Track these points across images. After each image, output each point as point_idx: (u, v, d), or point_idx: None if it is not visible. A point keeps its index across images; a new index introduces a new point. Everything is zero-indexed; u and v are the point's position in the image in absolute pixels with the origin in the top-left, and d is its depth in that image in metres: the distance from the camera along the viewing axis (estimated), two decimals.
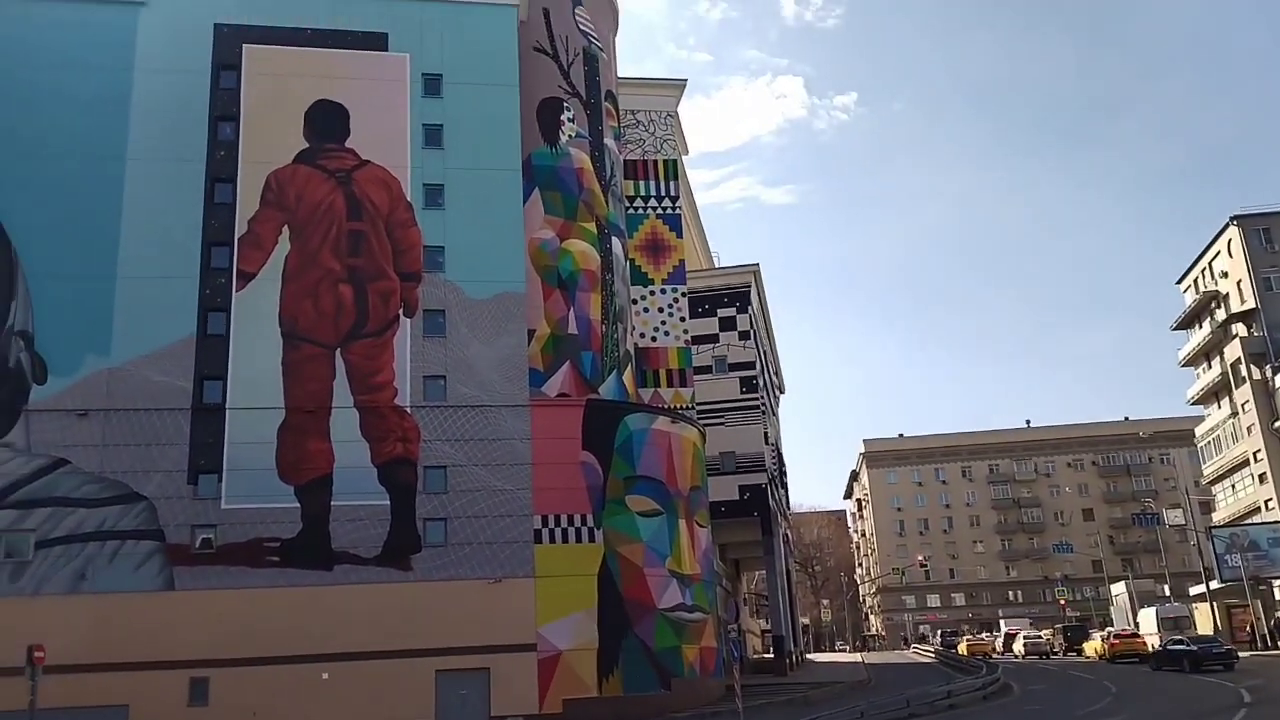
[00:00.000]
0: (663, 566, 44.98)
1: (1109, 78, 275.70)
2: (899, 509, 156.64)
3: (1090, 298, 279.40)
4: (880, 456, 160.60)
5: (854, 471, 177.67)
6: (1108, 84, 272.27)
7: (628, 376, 51.67)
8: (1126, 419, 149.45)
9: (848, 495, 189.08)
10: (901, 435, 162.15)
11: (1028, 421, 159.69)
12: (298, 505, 41.93)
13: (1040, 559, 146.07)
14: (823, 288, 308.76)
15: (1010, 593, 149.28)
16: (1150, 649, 62.40)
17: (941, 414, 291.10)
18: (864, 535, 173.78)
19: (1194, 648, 52.71)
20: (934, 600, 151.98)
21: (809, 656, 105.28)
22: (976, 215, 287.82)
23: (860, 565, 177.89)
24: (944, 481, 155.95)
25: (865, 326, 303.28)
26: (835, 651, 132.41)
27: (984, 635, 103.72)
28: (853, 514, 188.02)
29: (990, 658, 79.47)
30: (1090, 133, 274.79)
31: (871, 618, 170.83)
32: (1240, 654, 55.42)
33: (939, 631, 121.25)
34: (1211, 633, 67.65)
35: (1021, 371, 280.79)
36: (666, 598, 44.67)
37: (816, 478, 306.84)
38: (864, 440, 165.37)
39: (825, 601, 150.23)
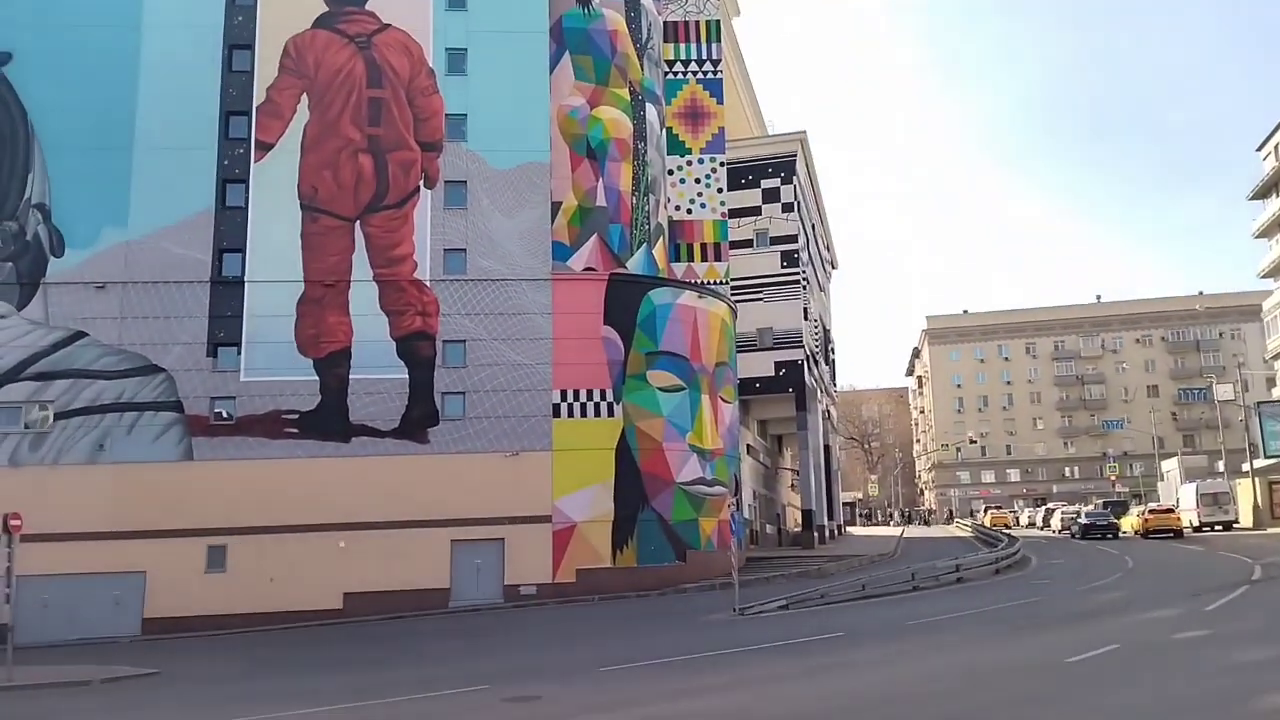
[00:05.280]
0: (683, 441, 44.76)
1: None
2: (959, 385, 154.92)
3: (1177, 170, 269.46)
4: (943, 333, 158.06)
5: (916, 349, 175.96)
6: None
7: (659, 250, 50.69)
8: (1200, 294, 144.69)
9: (910, 373, 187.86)
10: (966, 311, 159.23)
11: (1098, 297, 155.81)
12: (316, 378, 42.04)
13: (1100, 436, 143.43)
14: (896, 155, 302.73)
15: (1066, 469, 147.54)
16: (1187, 524, 63.06)
17: (1010, 291, 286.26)
18: (923, 412, 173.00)
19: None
20: (988, 476, 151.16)
21: (850, 530, 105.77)
22: (1066, 81, 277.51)
23: (918, 442, 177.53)
24: (1006, 359, 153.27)
25: (938, 198, 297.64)
26: (882, 526, 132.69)
27: (1004, 510, 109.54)
28: (913, 391, 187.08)
29: (1009, 529, 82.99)
30: None
31: (926, 493, 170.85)
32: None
33: (985, 507, 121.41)
34: (1250, 509, 68.91)
35: (1098, 247, 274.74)
36: (686, 472, 44.55)
37: (880, 355, 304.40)
38: (927, 317, 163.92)
39: (874, 477, 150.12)
